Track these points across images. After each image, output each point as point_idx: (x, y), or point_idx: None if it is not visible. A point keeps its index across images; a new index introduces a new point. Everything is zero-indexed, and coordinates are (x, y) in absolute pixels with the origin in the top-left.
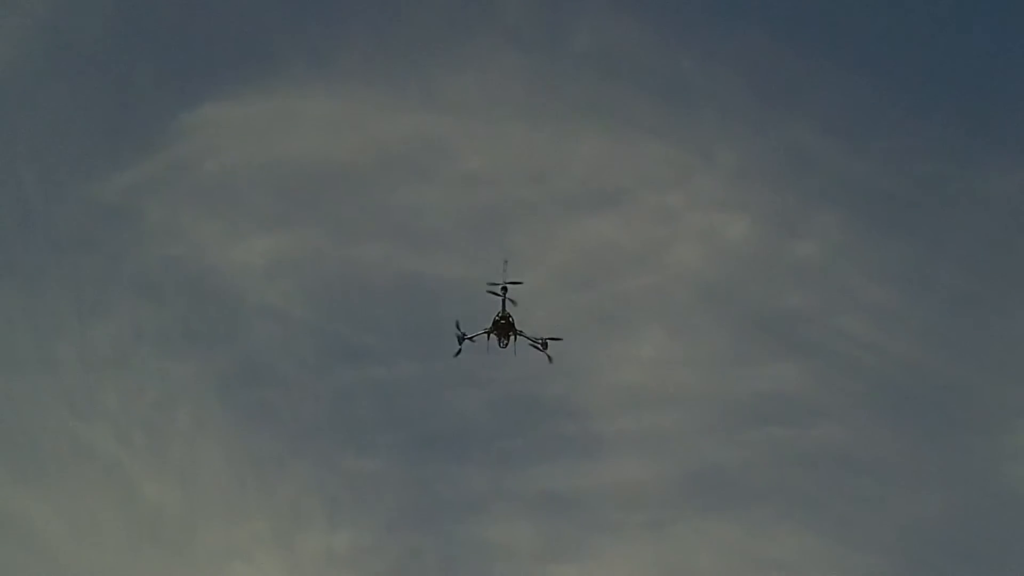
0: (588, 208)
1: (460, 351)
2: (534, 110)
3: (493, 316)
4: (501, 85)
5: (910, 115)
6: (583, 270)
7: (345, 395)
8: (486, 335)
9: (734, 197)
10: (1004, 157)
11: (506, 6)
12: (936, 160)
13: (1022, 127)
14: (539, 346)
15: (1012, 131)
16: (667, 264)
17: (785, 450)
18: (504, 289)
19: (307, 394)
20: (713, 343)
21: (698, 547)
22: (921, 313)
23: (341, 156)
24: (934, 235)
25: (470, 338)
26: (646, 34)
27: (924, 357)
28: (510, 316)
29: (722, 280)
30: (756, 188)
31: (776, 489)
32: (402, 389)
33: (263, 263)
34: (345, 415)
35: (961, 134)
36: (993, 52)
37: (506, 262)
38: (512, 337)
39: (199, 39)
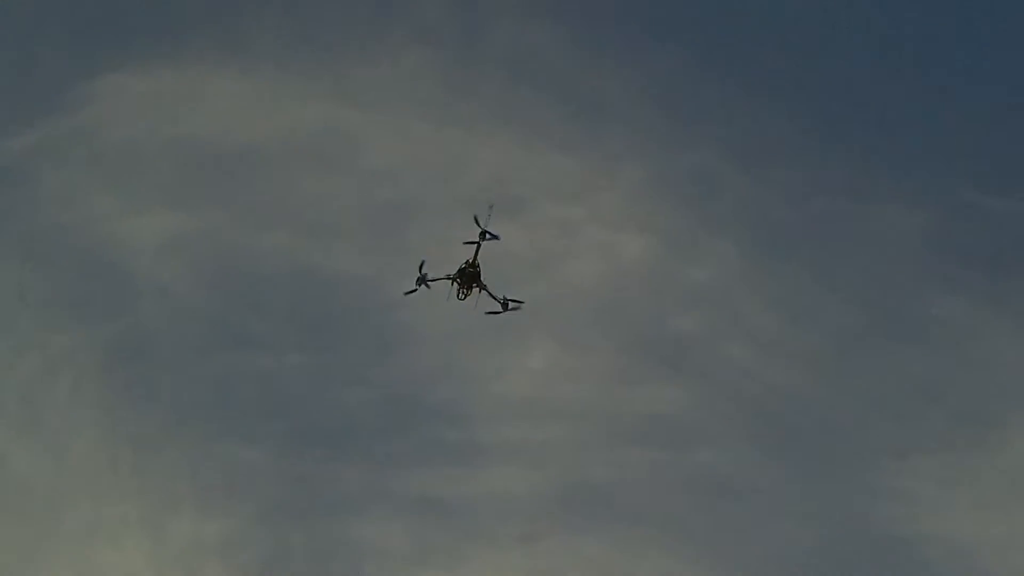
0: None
1: (415, 291)
2: (444, 109)
3: (460, 264)
4: (413, 81)
5: (814, 148)
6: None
7: (228, 382)
8: (449, 281)
9: (635, 216)
10: (900, 197)
11: (425, 3)
12: (834, 194)
13: (920, 168)
14: (499, 306)
15: (910, 172)
16: (562, 277)
17: (662, 472)
18: (482, 236)
19: (190, 377)
20: (601, 360)
21: (568, 563)
22: (806, 345)
23: (247, 139)
24: (825, 268)
25: (428, 282)
26: (563, 43)
27: (806, 389)
28: (479, 267)
29: (616, 298)
30: (658, 208)
31: (650, 511)
32: (287, 381)
33: (157, 240)
34: (226, 402)
35: (860, 170)
36: (900, 94)
37: (491, 207)
38: (476, 289)
39: (108, 5)
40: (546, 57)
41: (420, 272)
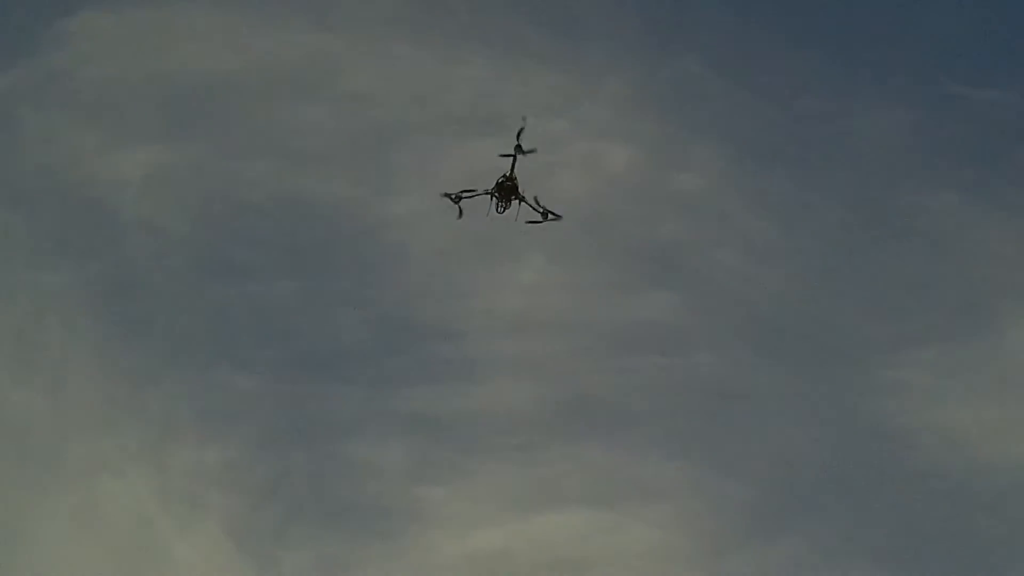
0: (473, 132)
1: (461, 212)
2: (422, 31)
3: (497, 178)
4: (389, 4)
5: (796, 52)
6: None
7: (221, 311)
8: (488, 196)
9: (619, 127)
10: (885, 94)
11: None
12: (819, 96)
13: (905, 66)
14: (540, 216)
15: (895, 70)
16: (550, 191)
17: (659, 378)
18: (518, 149)
19: (181, 308)
20: (593, 271)
21: (568, 470)
22: (798, 247)
23: (224, 71)
24: (814, 171)
25: (468, 195)
26: None
27: (799, 290)
28: (516, 179)
29: (604, 209)
30: (641, 119)
31: (649, 416)
32: (279, 307)
33: (140, 175)
34: (220, 331)
35: (843, 70)
36: None
37: (524, 119)
38: (515, 201)
39: None
40: None
41: (451, 196)
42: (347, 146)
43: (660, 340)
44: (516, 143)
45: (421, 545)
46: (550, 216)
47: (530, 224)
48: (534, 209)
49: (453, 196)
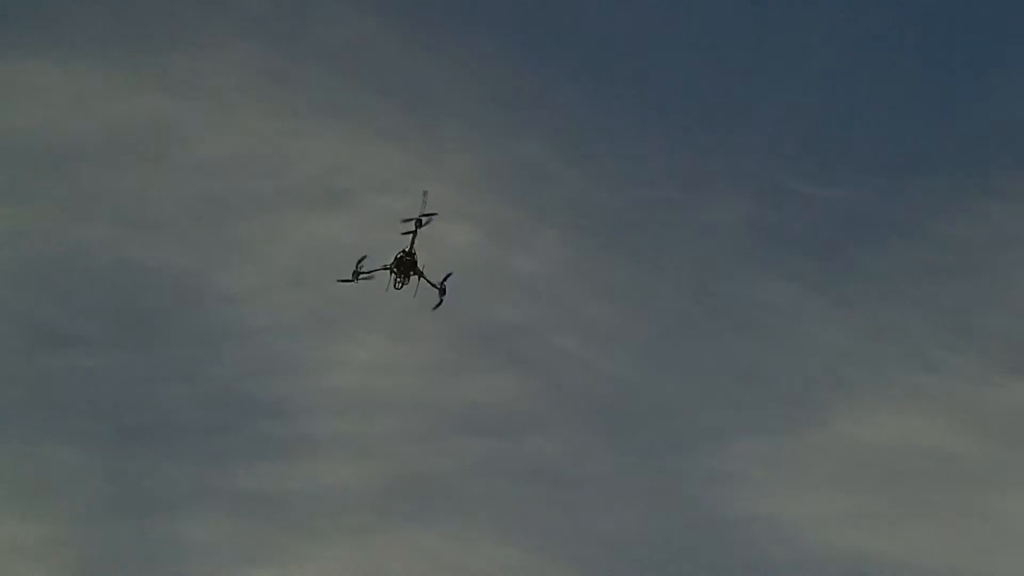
0: (315, 206)
1: (350, 281)
2: (271, 103)
3: (395, 253)
4: (239, 74)
5: (641, 140)
6: (305, 269)
7: (49, 381)
8: (388, 272)
9: (462, 207)
10: (728, 188)
11: None
12: (661, 184)
13: (745, 157)
14: (437, 290)
15: (735, 161)
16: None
17: (495, 462)
18: (418, 223)
19: (7, 377)
20: (431, 351)
21: (400, 555)
22: (635, 334)
23: (68, 133)
24: (654, 258)
25: (366, 274)
26: (389, 36)
27: (635, 378)
28: (415, 255)
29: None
30: (485, 199)
31: (483, 500)
32: (111, 379)
33: None
34: (47, 401)
35: (686, 159)
36: (725, 84)
37: (425, 193)
38: (414, 276)
39: None
40: (372, 49)
41: (357, 267)
42: (189, 215)
43: (496, 423)
44: (417, 217)
45: None
46: (446, 289)
47: (436, 308)
48: (432, 285)
49: (352, 277)
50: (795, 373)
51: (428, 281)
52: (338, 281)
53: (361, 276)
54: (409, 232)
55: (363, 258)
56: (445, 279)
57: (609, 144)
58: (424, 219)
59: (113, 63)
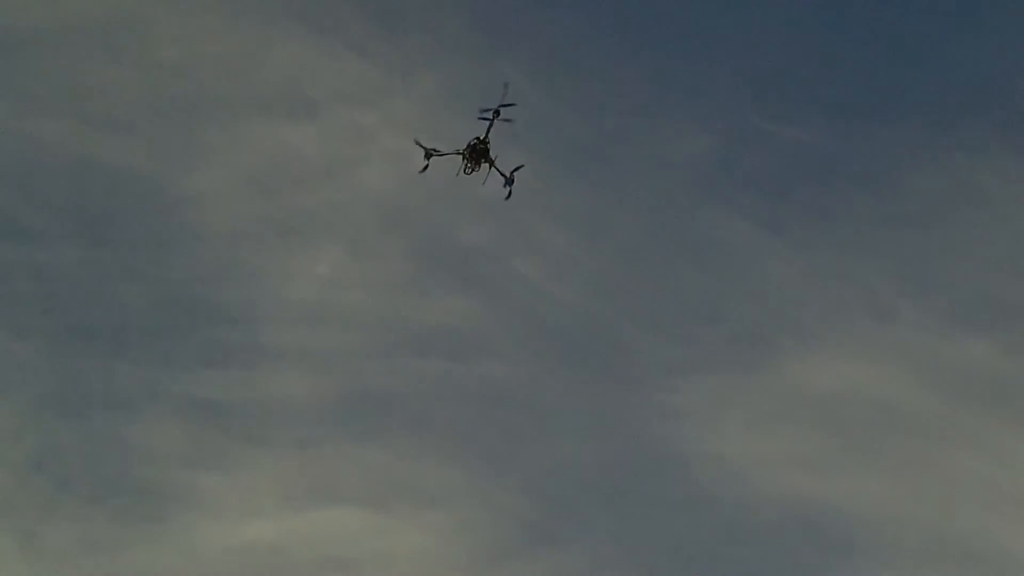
0: (280, 115)
1: (427, 167)
2: (240, 6)
3: (469, 139)
4: None
5: (611, 70)
6: (268, 177)
7: (2, 273)
8: (460, 156)
9: (429, 125)
10: (694, 123)
11: None
12: (628, 114)
13: (712, 93)
14: (506, 179)
15: (703, 97)
16: (354, 184)
17: (447, 383)
18: (496, 113)
19: None
20: (391, 269)
21: (345, 469)
22: (595, 263)
23: (29, 23)
24: (618, 189)
25: (438, 153)
26: None
27: (592, 307)
28: (488, 143)
29: (407, 207)
30: (452, 119)
31: (433, 420)
32: (65, 275)
33: None
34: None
35: (654, 93)
36: (699, 21)
37: (506, 85)
38: (485, 165)
39: None
40: None
41: (423, 147)
42: (151, 115)
43: (450, 344)
44: (496, 107)
45: (191, 532)
46: (514, 178)
47: (506, 189)
48: (501, 174)
49: (426, 149)
50: (750, 313)
51: (499, 171)
52: (415, 141)
53: (434, 154)
54: (486, 119)
55: (416, 140)
56: (516, 170)
57: (579, 72)
58: (502, 109)
59: None
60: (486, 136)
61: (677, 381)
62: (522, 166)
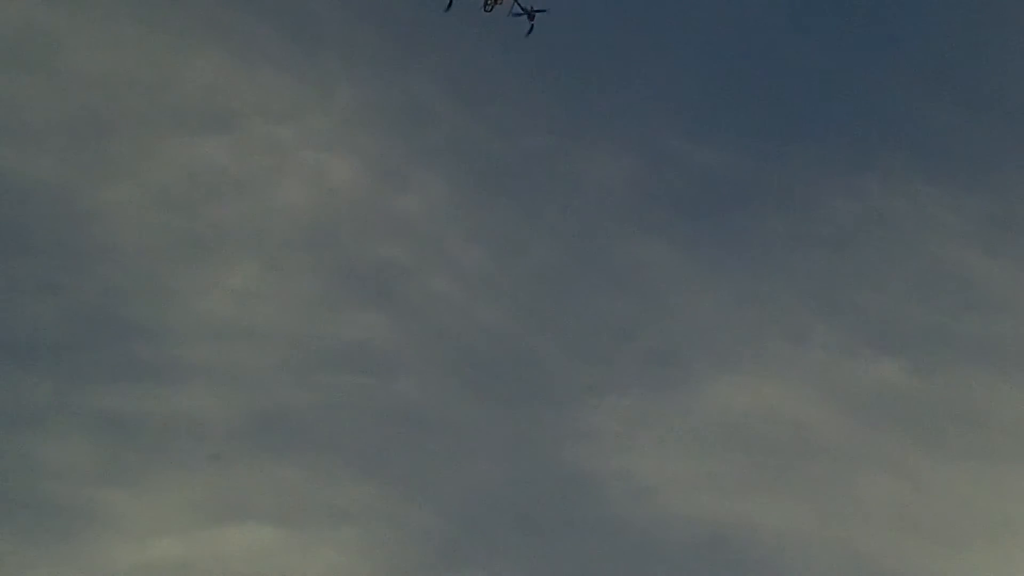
0: (196, 128)
1: (451, 4)
2: (154, 17)
3: None
4: None
5: (528, 89)
6: (182, 191)
7: None
8: None
9: (346, 140)
10: (609, 144)
11: None
12: (545, 134)
13: (629, 115)
14: (527, 15)
15: (620, 118)
16: (270, 198)
17: (360, 400)
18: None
19: None
20: (304, 284)
21: (257, 486)
22: (511, 282)
23: None
24: (534, 207)
25: None
26: None
27: (508, 325)
28: None
29: (323, 222)
30: (369, 134)
31: (345, 438)
32: None
33: None
34: None
35: (572, 113)
36: (616, 42)
37: None
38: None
39: None
40: None
41: None
42: (62, 127)
43: (364, 361)
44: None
45: (97, 549)
46: (535, 13)
47: (516, 16)
48: (523, 10)
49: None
50: (664, 334)
51: (520, 5)
52: (445, 11)
53: None
54: None
55: None
56: (538, 11)
57: (497, 90)
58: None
59: None
60: None
61: (591, 401)
62: (545, 10)
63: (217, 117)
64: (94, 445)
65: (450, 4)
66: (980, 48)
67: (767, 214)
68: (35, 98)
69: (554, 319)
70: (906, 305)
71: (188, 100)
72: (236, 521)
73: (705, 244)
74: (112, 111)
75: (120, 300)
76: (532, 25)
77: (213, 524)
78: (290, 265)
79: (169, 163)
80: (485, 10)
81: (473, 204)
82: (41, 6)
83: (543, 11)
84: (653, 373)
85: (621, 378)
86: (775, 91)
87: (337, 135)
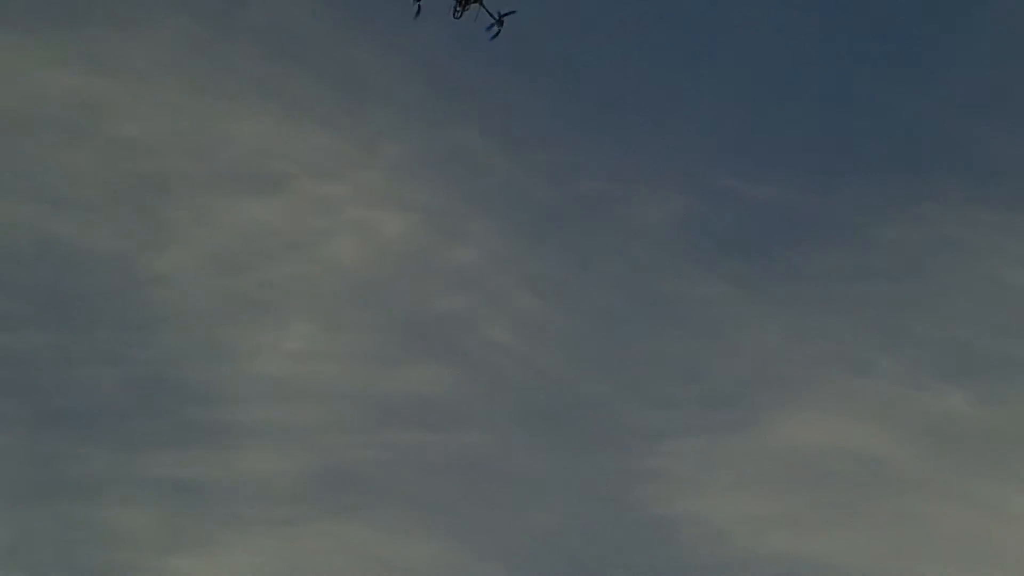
0: (246, 190)
1: (419, 11)
2: (201, 81)
3: None
4: (168, 51)
5: (580, 132)
6: (237, 254)
7: None
8: None
9: (396, 194)
10: (660, 184)
11: None
12: (597, 178)
13: (679, 154)
14: (495, 22)
15: (670, 158)
16: (323, 256)
17: (425, 454)
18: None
19: None
20: (362, 341)
21: (327, 547)
22: (569, 328)
23: None
24: (589, 252)
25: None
26: (323, 18)
27: (569, 372)
28: None
29: (377, 278)
30: (419, 187)
31: (411, 493)
32: (33, 361)
33: None
34: None
35: (622, 155)
36: (662, 81)
37: None
38: (474, 5)
39: None
40: (305, 30)
41: None
42: (113, 195)
43: (426, 416)
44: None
45: None
46: (503, 17)
47: (491, 29)
48: (490, 14)
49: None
50: (726, 373)
51: (487, 11)
52: (414, 18)
53: None
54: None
55: None
56: (506, 14)
57: (544, 136)
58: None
59: (39, 37)
60: None
61: (657, 445)
62: (514, 11)
63: (267, 178)
64: (159, 511)
65: (418, 11)
66: None
67: (825, 247)
68: (87, 167)
69: (615, 363)
70: (971, 333)
71: (238, 163)
72: None
73: (763, 280)
74: (163, 177)
75: (179, 365)
76: (499, 30)
77: None
78: (347, 322)
79: (222, 226)
80: (454, 17)
81: (527, 251)
82: (90, 75)
83: (512, 12)
84: (718, 412)
85: (686, 419)
86: (826, 123)
87: (386, 190)
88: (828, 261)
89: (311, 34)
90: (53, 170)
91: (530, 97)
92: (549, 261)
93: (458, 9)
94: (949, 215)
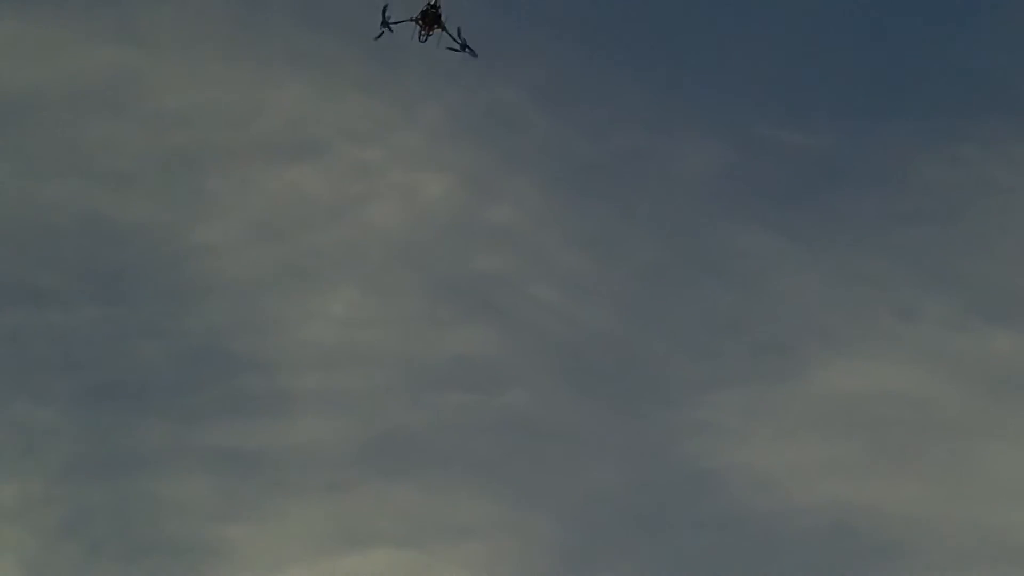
0: (286, 157)
1: (381, 34)
2: (235, 51)
3: (423, 5)
4: (201, 22)
5: (617, 86)
6: (277, 221)
7: (17, 338)
8: (413, 23)
9: (434, 156)
10: (699, 133)
11: None
12: (635, 132)
13: (717, 104)
14: (457, 46)
15: (708, 108)
16: (363, 221)
17: (472, 415)
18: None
19: None
20: (406, 304)
21: (379, 510)
22: (612, 283)
23: (28, 84)
24: (629, 206)
25: (392, 24)
26: None
27: (613, 327)
28: (439, 8)
29: (418, 240)
30: (457, 148)
31: (461, 454)
32: (83, 336)
33: None
34: (16, 359)
35: (659, 107)
36: (696, 32)
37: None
38: (438, 30)
39: None
40: None
41: (384, 16)
42: (155, 167)
43: (474, 376)
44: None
45: None
46: (467, 50)
47: (449, 51)
48: (454, 39)
49: (382, 22)
50: (772, 322)
51: (450, 34)
52: (374, 39)
53: (391, 24)
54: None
55: (386, 5)
56: (468, 46)
57: (582, 91)
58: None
59: (75, 13)
60: (436, 1)
61: (704, 396)
62: (476, 55)
63: (305, 144)
64: (213, 481)
65: (380, 34)
66: None
67: (867, 192)
68: (128, 140)
69: (659, 316)
70: (1017, 273)
71: (276, 130)
72: (360, 547)
73: (806, 227)
74: (201, 147)
75: (227, 336)
76: (470, 51)
77: (337, 551)
78: (390, 286)
79: (262, 195)
80: (420, 40)
81: (568, 207)
82: (124, 48)
83: (475, 55)
84: (764, 362)
85: (732, 370)
86: (862, 65)
87: (426, 152)
88: (870, 205)
89: None
90: (94, 145)
91: (566, 52)
92: (590, 216)
93: (423, 34)
94: (991, 154)
